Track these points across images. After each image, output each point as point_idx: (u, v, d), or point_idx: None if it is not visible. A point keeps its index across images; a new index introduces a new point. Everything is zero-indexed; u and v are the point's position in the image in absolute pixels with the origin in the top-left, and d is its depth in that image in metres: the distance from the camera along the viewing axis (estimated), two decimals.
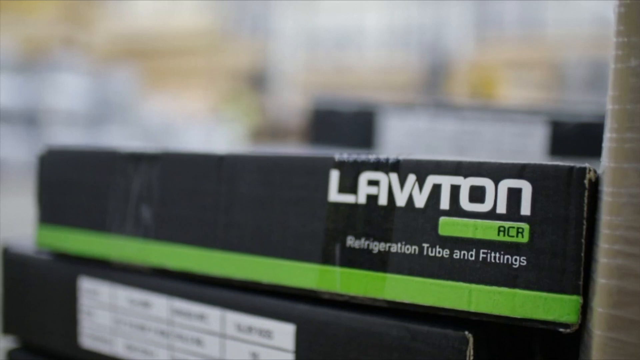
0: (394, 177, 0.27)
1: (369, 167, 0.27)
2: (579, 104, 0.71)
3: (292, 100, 10.00)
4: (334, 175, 0.28)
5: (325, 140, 0.57)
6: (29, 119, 5.24)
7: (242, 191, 0.30)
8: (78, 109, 5.27)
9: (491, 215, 0.25)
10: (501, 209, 0.25)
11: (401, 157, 0.27)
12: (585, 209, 0.23)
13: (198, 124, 7.02)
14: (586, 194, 0.23)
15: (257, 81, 10.26)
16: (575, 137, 0.49)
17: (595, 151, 0.49)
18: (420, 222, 0.26)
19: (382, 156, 0.27)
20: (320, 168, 0.28)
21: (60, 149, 0.37)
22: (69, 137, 5.22)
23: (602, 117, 0.49)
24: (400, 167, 0.27)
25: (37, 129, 5.22)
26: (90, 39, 7.61)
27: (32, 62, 5.54)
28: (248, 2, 10.90)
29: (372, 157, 0.27)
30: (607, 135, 0.23)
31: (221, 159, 0.31)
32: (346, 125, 0.57)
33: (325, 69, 10.15)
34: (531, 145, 0.50)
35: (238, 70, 9.74)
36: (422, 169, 0.26)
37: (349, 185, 0.28)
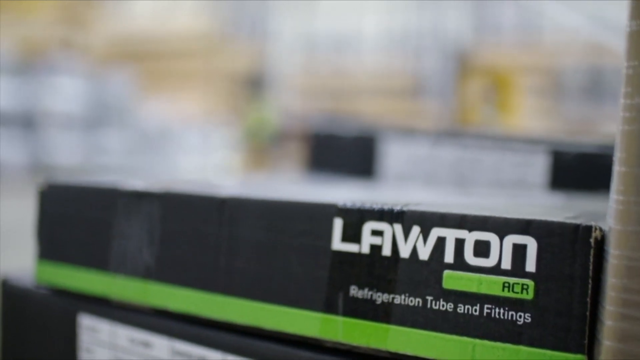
0: (398, 228, 0.27)
1: (373, 216, 0.27)
2: (579, 135, 0.71)
3: (290, 104, 10.04)
4: (338, 224, 0.28)
5: (325, 165, 0.57)
6: (26, 122, 5.23)
7: (244, 235, 0.30)
8: (76, 111, 5.26)
9: (496, 270, 0.25)
10: (506, 264, 0.25)
11: (406, 208, 0.27)
12: (590, 267, 0.23)
13: (196, 127, 7.02)
14: (592, 252, 0.23)
15: (255, 84, 10.25)
16: (576, 167, 0.49)
17: (595, 182, 0.49)
18: (424, 274, 0.26)
19: (387, 206, 0.27)
20: (324, 215, 0.28)
21: (61, 183, 0.37)
22: (66, 140, 5.21)
23: (603, 148, 0.49)
24: (404, 218, 0.26)
25: (35, 132, 5.21)
26: (88, 41, 7.61)
27: (29, 64, 5.53)
28: (246, 4, 10.90)
29: (376, 206, 0.27)
30: (614, 197, 0.22)
31: (223, 202, 0.31)
32: (346, 150, 0.57)
33: (323, 72, 10.15)
34: (532, 175, 0.50)
35: (236, 73, 9.73)
36: (426, 221, 0.26)
37: (352, 234, 0.27)
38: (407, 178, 0.53)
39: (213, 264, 0.31)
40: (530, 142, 0.51)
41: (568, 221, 0.24)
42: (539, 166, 0.50)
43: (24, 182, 4.63)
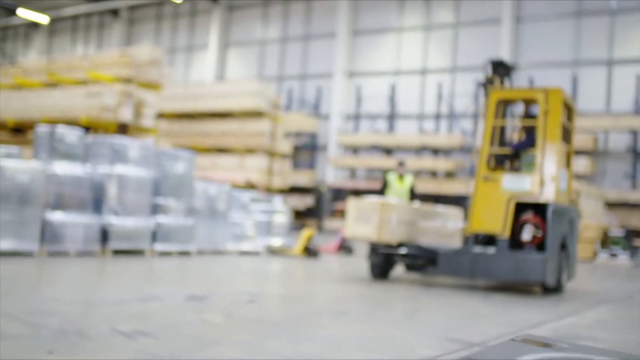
0: None
1: None
2: None
3: (339, 165, 10.28)
4: None
5: None
6: (92, 203, 5.16)
7: None
8: (142, 184, 5.13)
9: None
10: None
11: None
12: None
13: (258, 195, 7.05)
14: None
15: (311, 151, 10.72)
16: None
17: None
18: None
19: None
20: None
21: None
22: (130, 222, 5.22)
23: None
24: None
25: (100, 215, 5.17)
26: (157, 113, 7.70)
27: (94, 145, 5.44)
28: (308, 86, 11.69)
29: None
30: None
31: None
32: None
33: (366, 143, 10.66)
34: None
35: (295, 141, 10.05)
36: None
37: None
38: None
39: None
40: None
41: None
42: None
43: (93, 249, 4.77)
